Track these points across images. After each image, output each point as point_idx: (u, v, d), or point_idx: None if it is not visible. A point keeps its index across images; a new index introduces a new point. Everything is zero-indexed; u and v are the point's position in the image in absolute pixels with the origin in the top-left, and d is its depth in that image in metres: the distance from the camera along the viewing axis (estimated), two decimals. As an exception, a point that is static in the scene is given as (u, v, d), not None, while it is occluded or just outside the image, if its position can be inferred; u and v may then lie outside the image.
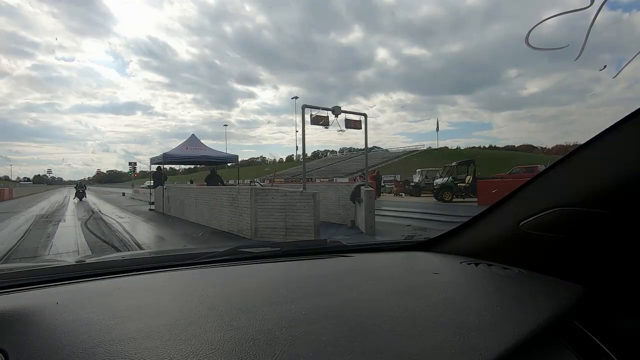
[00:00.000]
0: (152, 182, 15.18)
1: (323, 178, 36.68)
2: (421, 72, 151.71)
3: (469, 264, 0.79)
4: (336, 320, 0.54)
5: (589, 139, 0.61)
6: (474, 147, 66.82)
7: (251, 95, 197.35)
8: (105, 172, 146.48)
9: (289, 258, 0.96)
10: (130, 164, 35.62)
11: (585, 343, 0.57)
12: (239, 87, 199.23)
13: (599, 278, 0.65)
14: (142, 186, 34.29)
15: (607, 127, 0.58)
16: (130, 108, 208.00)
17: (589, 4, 0.54)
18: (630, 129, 0.56)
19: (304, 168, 8.33)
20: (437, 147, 56.37)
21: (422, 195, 19.30)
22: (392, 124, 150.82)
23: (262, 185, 13.23)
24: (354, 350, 0.45)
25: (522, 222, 0.71)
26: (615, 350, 0.56)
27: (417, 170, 22.19)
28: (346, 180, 24.44)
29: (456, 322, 0.53)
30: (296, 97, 52.08)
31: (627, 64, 0.55)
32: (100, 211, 13.71)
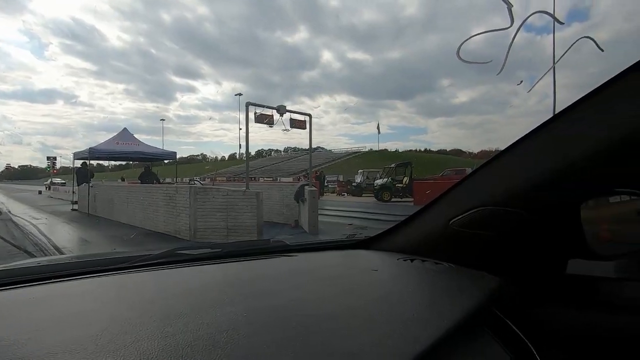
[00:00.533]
0: (59, 179, 13.60)
1: (267, 177, 36.25)
2: (364, 76, 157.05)
3: (405, 260, 0.84)
4: (279, 321, 0.54)
5: (507, 145, 0.68)
6: (411, 150, 70.93)
7: (191, 89, 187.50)
8: (17, 167, 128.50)
9: (230, 259, 0.93)
10: (48, 158, 31.44)
11: (505, 329, 0.64)
12: (178, 79, 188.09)
13: (517, 270, 0.73)
14: (45, 183, 30.32)
15: (522, 135, 0.66)
16: (49, 96, 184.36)
17: (509, 24, 0.61)
18: (541, 137, 0.64)
19: (247, 167, 8.15)
20: (377, 149, 58.81)
21: (363, 195, 19.98)
22: (335, 125, 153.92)
23: (202, 184, 12.66)
24: (296, 351, 0.45)
25: (452, 221, 0.77)
26: (529, 335, 0.63)
27: (359, 171, 22.93)
28: (290, 179, 24.42)
29: (393, 317, 0.55)
30: (240, 94, 50.83)
31: (538, 80, 0.63)
32: (9, 211, 12.03)
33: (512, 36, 0.62)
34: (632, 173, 0.61)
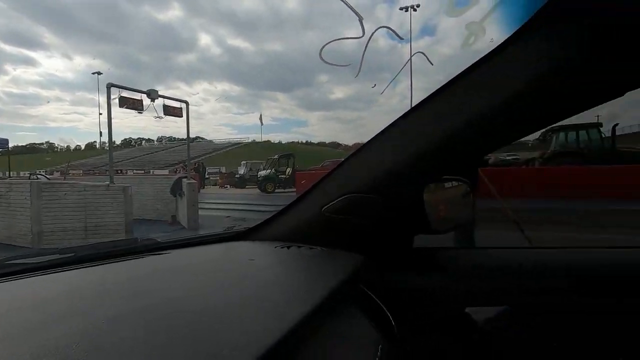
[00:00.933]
0: None
1: (137, 169, 32.22)
2: (245, 65, 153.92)
3: (282, 247, 0.87)
4: (149, 323, 0.49)
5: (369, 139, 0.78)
6: (293, 142, 73.15)
7: (29, 62, 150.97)
8: None
9: (86, 264, 0.80)
10: None
11: (370, 303, 0.73)
12: (8, 48, 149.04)
13: (377, 249, 0.84)
14: None
15: (379, 130, 0.76)
16: None
17: (361, 35, 0.69)
18: (392, 133, 0.75)
19: (110, 157, 7.11)
20: (261, 140, 58.69)
21: (247, 186, 19.70)
22: (216, 114, 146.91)
23: (49, 179, 10.47)
24: (166, 352, 0.43)
25: (324, 208, 0.83)
26: (389, 305, 0.74)
27: (242, 163, 22.49)
28: (166, 172, 22.31)
29: (268, 302, 0.57)
30: (99, 73, 43.58)
31: (387, 85, 0.73)
32: None
33: (364, 45, 0.71)
34: (457, 163, 0.77)
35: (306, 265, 0.78)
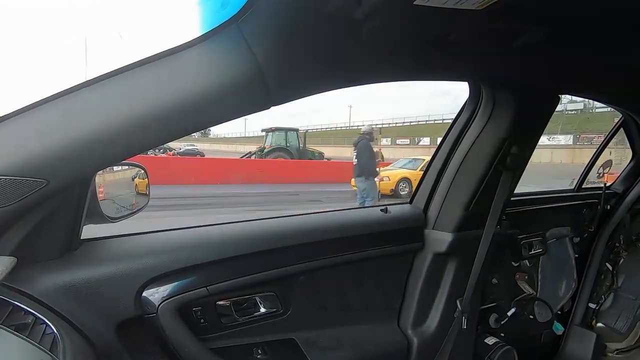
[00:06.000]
0: None
1: None
2: None
3: None
4: None
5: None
6: None
7: None
8: None
9: None
10: None
11: (23, 316, 0.61)
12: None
13: (33, 244, 0.72)
14: None
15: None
16: None
17: None
18: (60, 105, 0.59)
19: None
20: None
21: None
22: None
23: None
24: None
25: None
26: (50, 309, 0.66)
27: None
28: None
29: None
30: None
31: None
32: None
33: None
34: (136, 148, 0.72)
35: None
